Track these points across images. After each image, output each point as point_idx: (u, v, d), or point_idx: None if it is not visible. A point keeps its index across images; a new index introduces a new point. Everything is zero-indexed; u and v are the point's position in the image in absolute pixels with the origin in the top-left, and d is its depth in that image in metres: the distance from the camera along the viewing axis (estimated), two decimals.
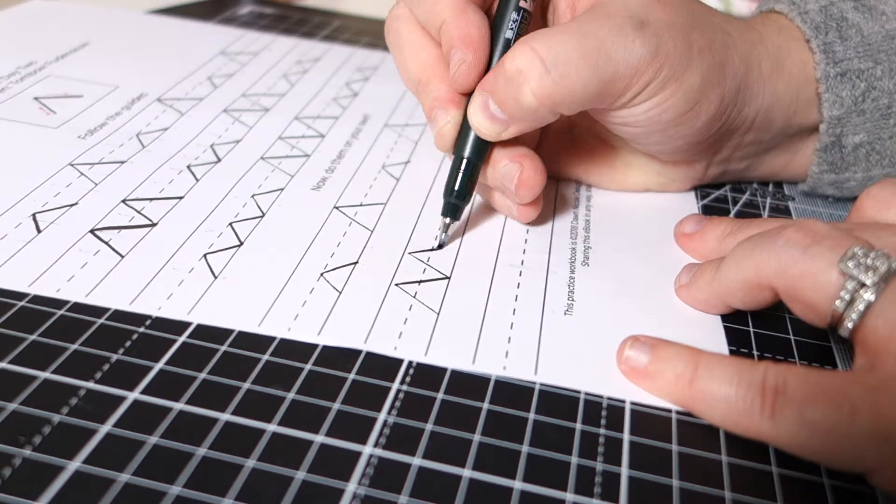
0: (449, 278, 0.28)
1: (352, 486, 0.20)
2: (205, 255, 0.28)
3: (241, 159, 0.34)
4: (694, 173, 0.34)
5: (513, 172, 0.28)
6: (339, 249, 0.29)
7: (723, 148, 0.33)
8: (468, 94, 0.28)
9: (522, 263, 0.29)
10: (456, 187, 0.29)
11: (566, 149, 0.34)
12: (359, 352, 0.24)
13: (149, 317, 0.24)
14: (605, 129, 0.32)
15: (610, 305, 0.27)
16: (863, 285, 0.21)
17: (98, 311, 0.24)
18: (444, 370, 0.24)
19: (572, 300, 0.27)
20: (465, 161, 0.29)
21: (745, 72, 0.30)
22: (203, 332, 0.24)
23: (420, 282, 0.27)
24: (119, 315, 0.24)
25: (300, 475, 0.20)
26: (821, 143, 0.32)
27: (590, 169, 0.34)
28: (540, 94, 0.26)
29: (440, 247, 0.29)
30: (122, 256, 0.27)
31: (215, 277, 0.27)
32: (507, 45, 0.28)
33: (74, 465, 0.19)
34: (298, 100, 0.41)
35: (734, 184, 0.36)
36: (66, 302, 0.25)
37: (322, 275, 0.27)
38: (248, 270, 0.27)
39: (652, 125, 0.29)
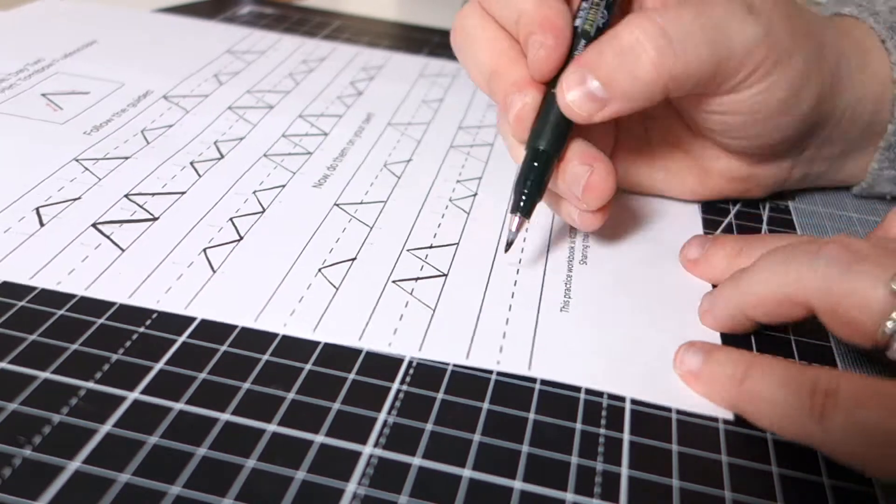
0: (446, 275, 0.28)
1: (352, 486, 0.20)
2: (204, 250, 0.28)
3: (244, 156, 0.34)
4: (779, 175, 0.33)
5: (581, 174, 0.26)
6: (337, 245, 0.29)
7: (811, 144, 0.32)
8: (545, 83, 0.27)
9: (520, 261, 0.29)
10: (529, 182, 0.26)
11: (640, 158, 0.32)
12: (359, 351, 0.24)
13: (149, 316, 0.24)
14: (685, 134, 0.31)
15: (606, 303, 0.27)
16: None
17: (98, 310, 0.24)
18: (444, 370, 0.24)
19: (569, 297, 0.27)
20: (540, 153, 0.26)
21: (836, 61, 0.29)
22: (203, 331, 0.24)
23: (417, 279, 0.27)
24: (119, 314, 0.24)
25: (300, 475, 0.20)
26: (886, 141, 0.32)
27: (665, 177, 0.33)
28: (660, 65, 0.25)
29: (508, 246, 0.27)
30: (123, 250, 0.27)
31: (214, 272, 0.27)
32: (588, 35, 0.27)
33: (74, 465, 0.19)
34: (303, 98, 0.41)
35: (812, 189, 0.35)
36: (66, 295, 0.25)
37: (320, 270, 0.27)
38: (246, 265, 0.27)
39: (756, 112, 0.28)
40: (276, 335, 0.24)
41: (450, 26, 0.31)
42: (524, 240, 0.30)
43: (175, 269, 0.27)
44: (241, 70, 0.43)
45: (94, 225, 0.28)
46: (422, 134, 0.38)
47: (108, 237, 0.28)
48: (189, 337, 0.24)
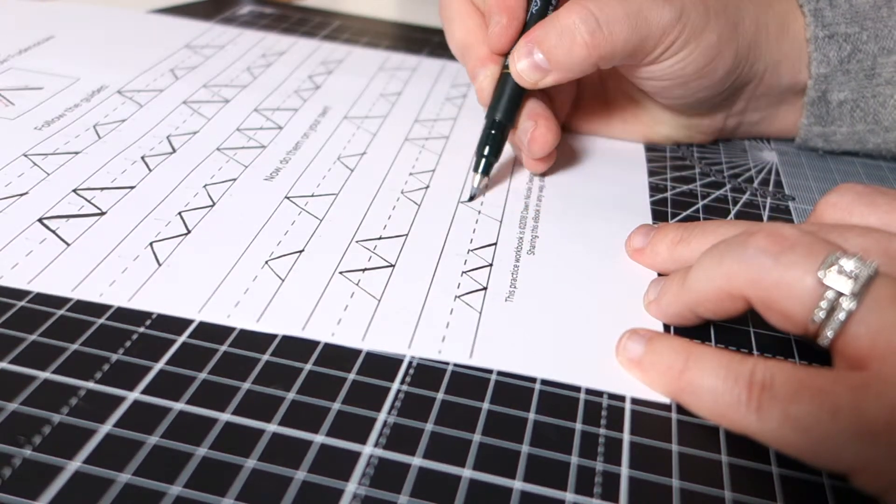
0: (393, 266, 0.28)
1: (352, 486, 0.20)
2: (150, 244, 0.28)
3: (197, 150, 0.35)
4: (714, 124, 0.38)
5: (528, 129, 0.33)
6: (286, 238, 0.29)
7: (738, 100, 0.37)
8: (504, 55, 0.33)
9: (468, 252, 0.29)
10: (488, 146, 0.32)
11: (600, 108, 0.39)
12: (359, 351, 0.24)
13: (149, 317, 0.24)
14: (635, 88, 0.37)
15: (552, 292, 0.27)
16: (841, 294, 0.20)
17: (99, 310, 0.24)
18: (444, 370, 0.24)
19: (514, 287, 0.27)
20: (496, 123, 0.32)
21: (754, 31, 0.35)
22: (203, 332, 0.24)
23: (364, 269, 0.28)
24: (119, 315, 0.24)
25: (300, 475, 0.20)
26: (808, 97, 0.37)
27: (621, 124, 0.39)
28: (592, 45, 0.30)
29: (472, 198, 0.33)
30: (68, 244, 0.27)
31: (159, 265, 0.27)
32: (543, 12, 0.32)
33: (74, 465, 0.19)
34: (259, 92, 0.41)
35: (751, 139, 0.41)
36: (66, 296, 0.25)
37: (266, 262, 0.27)
38: (192, 258, 0.27)
39: (676, 78, 0.33)
40: (275, 336, 0.24)
41: None
42: (473, 230, 0.31)
43: (120, 262, 0.27)
44: (199, 65, 0.43)
45: (39, 220, 0.28)
46: (378, 127, 0.38)
47: (53, 232, 0.28)
48: (189, 337, 0.24)
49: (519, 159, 0.36)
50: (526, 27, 0.32)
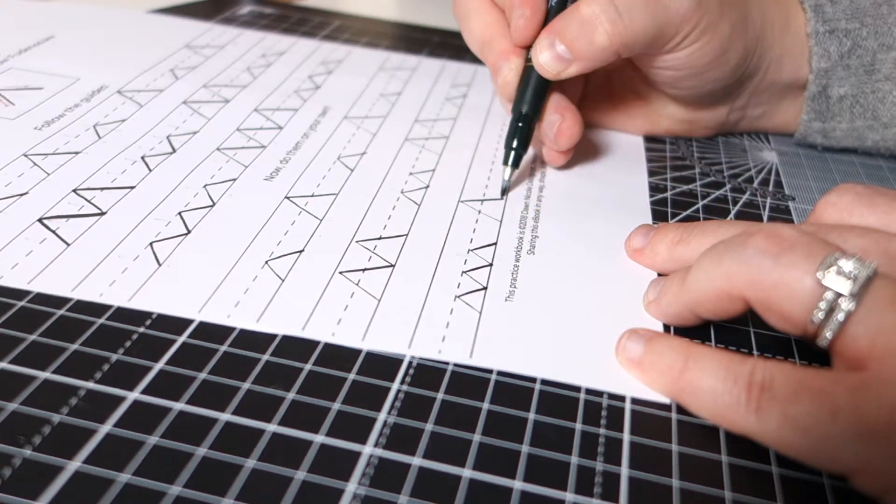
0: (393, 266, 0.28)
1: (352, 486, 0.20)
2: (150, 244, 0.28)
3: (197, 150, 0.35)
4: (717, 119, 0.39)
5: (555, 122, 0.33)
6: (286, 238, 0.29)
7: (742, 94, 0.38)
8: (527, 48, 0.33)
9: (468, 252, 0.29)
10: (517, 138, 0.33)
11: (605, 102, 0.40)
12: (359, 351, 0.24)
13: (149, 316, 0.24)
14: (640, 84, 0.38)
15: (552, 292, 0.27)
16: (840, 295, 0.20)
17: (98, 310, 0.24)
18: (444, 370, 0.24)
19: (514, 287, 0.27)
20: (524, 115, 0.33)
21: (761, 25, 0.35)
22: (203, 332, 0.24)
23: (364, 270, 0.28)
24: (119, 315, 0.24)
25: (300, 475, 0.20)
26: (809, 91, 0.37)
27: (625, 118, 0.40)
28: (612, 34, 0.31)
29: (504, 192, 0.33)
30: (68, 244, 0.27)
31: (159, 265, 0.27)
32: (563, 3, 0.33)
33: (74, 465, 0.19)
34: (259, 92, 0.41)
35: (753, 133, 0.42)
36: (65, 296, 0.25)
37: (266, 262, 0.27)
38: (192, 258, 0.27)
39: (690, 68, 0.34)
40: (275, 336, 0.24)
41: (449, 26, 0.31)
42: (473, 230, 0.31)
43: (120, 262, 0.27)
44: (199, 65, 0.43)
45: (39, 220, 0.28)
46: (378, 127, 0.38)
47: (53, 232, 0.28)
48: (189, 337, 0.24)
49: (538, 153, 0.36)
50: (547, 19, 0.33)
